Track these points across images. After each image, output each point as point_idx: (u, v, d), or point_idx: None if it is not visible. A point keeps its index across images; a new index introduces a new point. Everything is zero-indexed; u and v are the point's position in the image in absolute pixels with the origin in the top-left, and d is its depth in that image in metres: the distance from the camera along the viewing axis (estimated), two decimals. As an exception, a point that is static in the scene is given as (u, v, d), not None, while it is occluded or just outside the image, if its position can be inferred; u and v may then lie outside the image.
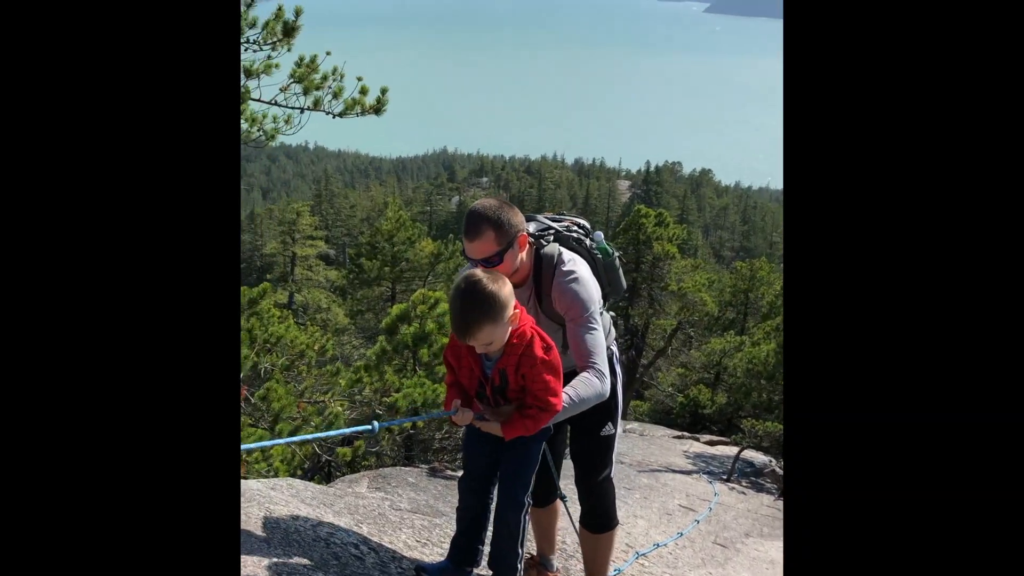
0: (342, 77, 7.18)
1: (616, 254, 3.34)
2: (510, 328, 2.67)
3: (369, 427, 2.74)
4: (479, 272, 2.67)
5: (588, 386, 2.88)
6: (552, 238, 3.17)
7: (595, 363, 2.91)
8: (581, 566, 4.58)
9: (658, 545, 6.13)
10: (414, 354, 7.43)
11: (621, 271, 3.40)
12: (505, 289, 2.64)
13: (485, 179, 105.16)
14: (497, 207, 2.90)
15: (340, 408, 6.41)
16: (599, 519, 3.41)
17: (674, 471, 10.97)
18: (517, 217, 2.92)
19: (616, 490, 3.46)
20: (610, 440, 3.29)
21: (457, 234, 31.45)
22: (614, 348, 3.34)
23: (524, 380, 2.73)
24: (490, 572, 3.03)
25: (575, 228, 3.32)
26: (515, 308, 2.68)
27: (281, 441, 2.83)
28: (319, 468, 7.09)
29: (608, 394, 2.99)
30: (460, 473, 3.14)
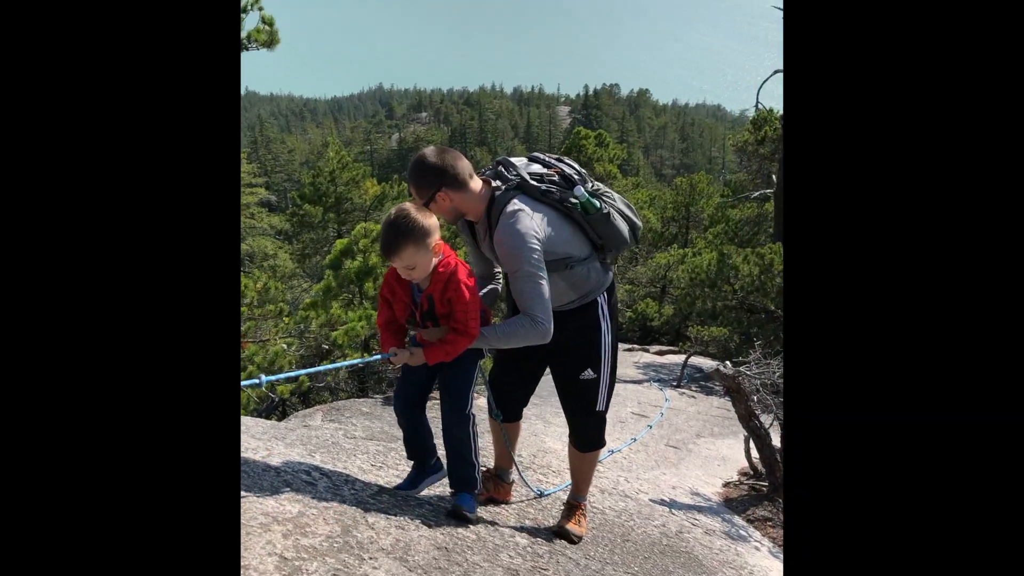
0: (251, 4, 6.93)
1: (609, 210, 3.29)
2: (433, 259, 2.97)
3: (255, 381, 2.84)
4: (408, 204, 2.96)
5: (515, 325, 3.10)
6: (515, 184, 3.20)
7: (530, 312, 3.07)
8: (538, 476, 4.72)
9: (612, 452, 6.31)
10: (360, 288, 7.41)
11: (618, 224, 3.34)
12: (428, 220, 2.92)
13: (424, 114, 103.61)
14: (421, 161, 3.13)
15: (284, 345, 6.39)
16: (583, 442, 3.64)
17: (625, 382, 11.22)
18: (441, 163, 3.10)
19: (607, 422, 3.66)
20: (591, 384, 3.43)
21: (401, 174, 31.00)
22: (600, 298, 3.41)
23: (450, 304, 3.03)
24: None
25: (552, 177, 3.28)
26: (439, 244, 2.97)
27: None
28: (274, 408, 7.10)
29: (547, 339, 3.11)
30: None
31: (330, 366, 3.70)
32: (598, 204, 3.26)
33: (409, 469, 3.55)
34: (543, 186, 3.22)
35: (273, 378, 3.12)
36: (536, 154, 3.46)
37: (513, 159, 3.37)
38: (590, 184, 3.35)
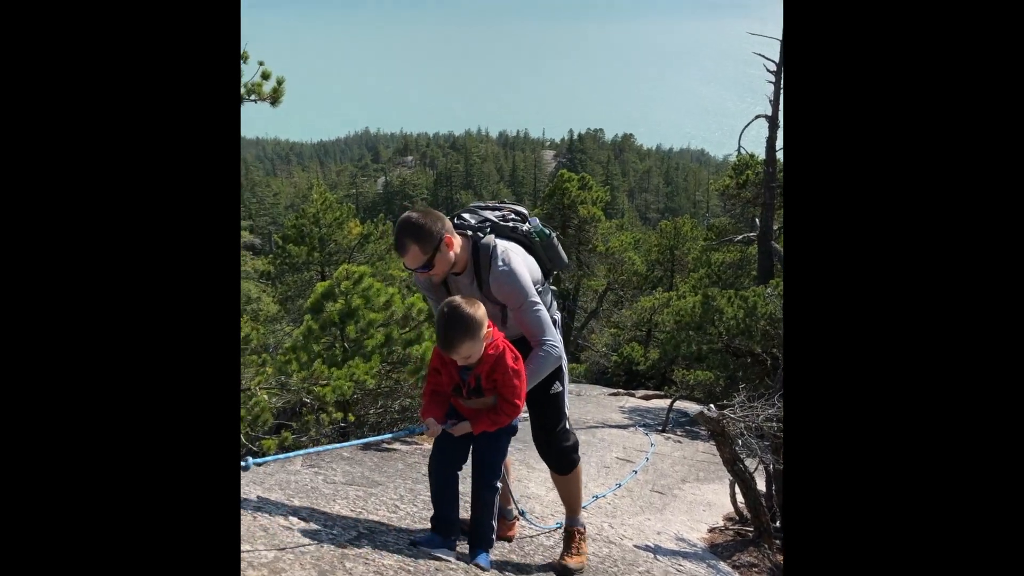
0: (245, 58, 7.00)
1: (552, 234, 3.71)
2: (485, 343, 3.15)
3: (243, 464, 2.82)
4: (458, 299, 3.14)
5: (541, 361, 3.38)
6: (489, 229, 3.48)
7: (545, 339, 3.37)
8: (521, 522, 4.66)
9: (597, 497, 6.24)
10: (342, 331, 7.34)
11: (560, 247, 3.75)
12: (480, 311, 3.10)
13: (410, 157, 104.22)
14: (417, 219, 3.22)
15: (266, 397, 6.29)
16: (562, 462, 3.80)
17: (610, 426, 11.15)
18: (437, 223, 3.24)
19: (590, 447, 3.83)
20: (559, 397, 3.67)
21: (387, 215, 31.09)
22: (556, 316, 3.69)
23: (496, 384, 3.23)
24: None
25: (512, 216, 3.66)
26: (488, 327, 3.15)
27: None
28: (254, 454, 6.99)
29: (562, 360, 3.47)
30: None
31: (356, 441, 3.74)
32: (547, 231, 3.68)
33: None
34: (510, 224, 3.58)
35: (262, 460, 3.12)
36: (474, 204, 3.76)
37: (463, 211, 3.65)
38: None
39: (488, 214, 3.60)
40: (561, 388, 3.66)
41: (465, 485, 3.40)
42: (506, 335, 3.37)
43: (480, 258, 3.36)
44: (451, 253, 3.29)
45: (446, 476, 3.35)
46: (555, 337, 3.41)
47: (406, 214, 3.30)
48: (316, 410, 7.02)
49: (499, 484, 3.38)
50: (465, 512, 3.56)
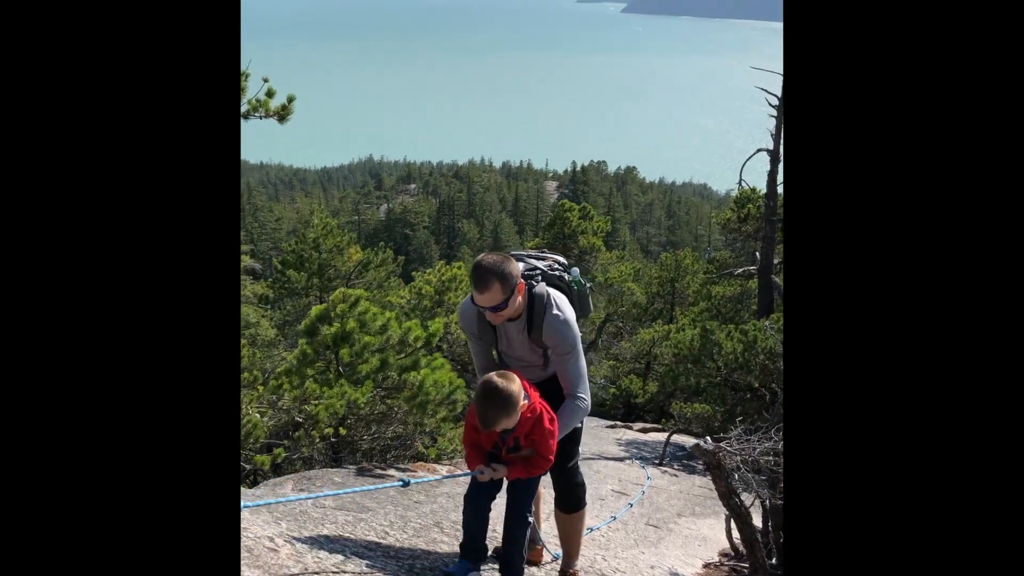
0: (247, 76, 7.08)
1: (588, 285, 3.97)
2: (521, 409, 3.28)
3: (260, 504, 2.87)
4: (494, 377, 3.23)
5: (572, 413, 3.57)
6: (540, 278, 3.67)
7: (578, 392, 3.56)
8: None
9: (591, 529, 6.15)
10: (336, 354, 7.29)
11: (590, 296, 4.01)
12: (514, 387, 3.21)
13: (413, 186, 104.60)
14: (500, 262, 3.38)
15: (258, 416, 6.24)
16: (570, 500, 3.92)
17: (607, 459, 11.06)
18: (516, 268, 3.43)
19: (586, 478, 3.99)
20: (576, 433, 3.80)
21: (387, 242, 31.13)
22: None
23: (533, 443, 3.39)
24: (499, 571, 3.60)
25: (556, 266, 3.87)
26: (526, 390, 3.30)
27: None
28: (244, 477, 6.92)
29: (588, 413, 3.65)
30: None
31: (389, 484, 3.83)
32: (583, 282, 3.89)
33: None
34: (556, 273, 3.76)
35: (258, 502, 3.08)
36: (515, 252, 3.91)
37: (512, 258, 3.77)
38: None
39: (536, 262, 3.79)
40: (579, 425, 3.77)
41: (493, 514, 3.53)
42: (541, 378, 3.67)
43: (535, 305, 3.53)
44: (519, 298, 3.45)
45: (480, 506, 3.50)
46: (588, 392, 3.60)
47: (488, 256, 3.43)
48: (308, 426, 6.97)
49: (531, 518, 3.53)
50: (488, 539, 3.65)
